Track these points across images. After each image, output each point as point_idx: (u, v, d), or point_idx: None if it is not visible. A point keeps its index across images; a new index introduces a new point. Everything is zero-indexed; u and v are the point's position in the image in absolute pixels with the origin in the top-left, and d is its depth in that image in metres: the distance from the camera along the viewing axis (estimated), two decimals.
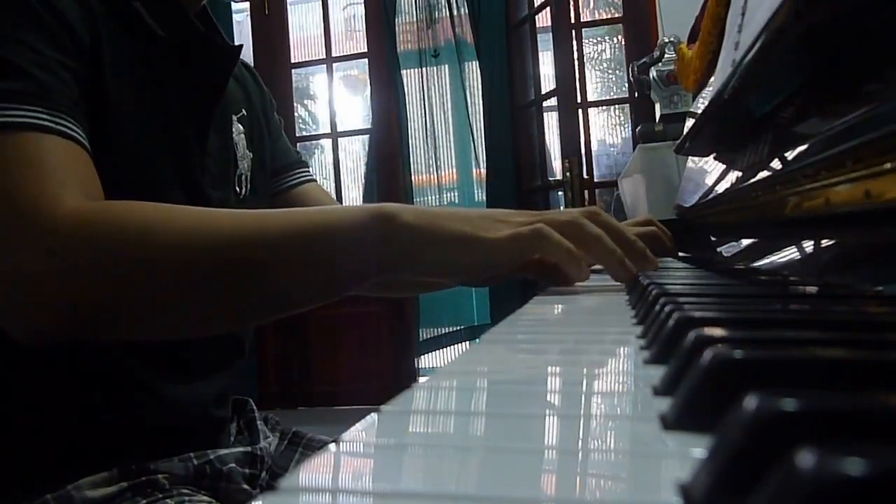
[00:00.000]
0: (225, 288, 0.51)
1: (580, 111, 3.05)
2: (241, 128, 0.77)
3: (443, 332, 3.44)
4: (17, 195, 0.48)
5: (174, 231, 0.50)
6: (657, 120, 2.33)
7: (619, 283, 0.57)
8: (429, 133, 3.48)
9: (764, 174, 0.58)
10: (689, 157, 1.25)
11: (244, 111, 0.78)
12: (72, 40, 0.56)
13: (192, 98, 0.67)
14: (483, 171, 3.26)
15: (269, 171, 0.82)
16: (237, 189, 0.75)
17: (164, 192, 0.62)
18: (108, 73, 0.59)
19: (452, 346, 3.39)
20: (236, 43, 0.73)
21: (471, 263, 0.52)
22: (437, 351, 3.41)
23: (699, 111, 1.00)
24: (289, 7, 3.70)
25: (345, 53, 3.93)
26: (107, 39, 0.59)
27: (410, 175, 3.43)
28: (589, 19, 4.19)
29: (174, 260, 0.49)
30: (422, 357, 3.39)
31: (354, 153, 4.66)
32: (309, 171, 0.88)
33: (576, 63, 2.97)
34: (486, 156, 3.24)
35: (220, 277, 0.50)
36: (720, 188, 0.82)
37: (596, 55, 5.26)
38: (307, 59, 4.03)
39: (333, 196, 1.30)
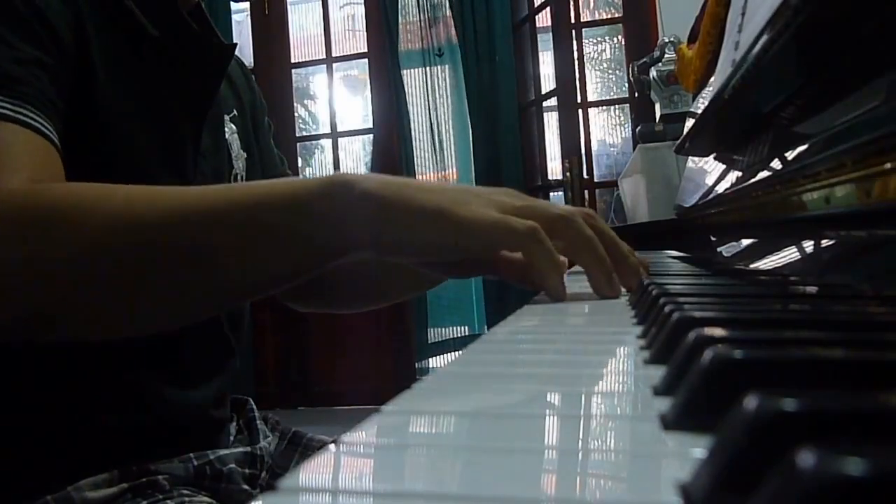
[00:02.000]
0: (166, 274, 0.45)
1: (580, 111, 3.05)
2: (234, 127, 0.77)
3: (451, 336, 3.44)
4: None
5: (107, 212, 0.45)
6: (657, 120, 2.33)
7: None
8: (430, 133, 3.49)
9: (764, 174, 0.58)
10: (689, 157, 1.25)
11: (235, 111, 0.78)
12: (52, 39, 0.55)
13: (185, 97, 0.67)
14: (484, 170, 3.26)
15: (258, 176, 0.81)
16: None
17: None
18: (98, 71, 0.58)
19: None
20: (236, 43, 0.73)
21: (442, 241, 0.45)
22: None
23: (699, 111, 1.00)
24: (289, 7, 3.70)
25: (345, 53, 3.93)
26: (96, 39, 0.59)
27: (414, 175, 3.42)
28: (589, 19, 4.19)
29: (106, 244, 0.44)
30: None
31: (354, 153, 4.66)
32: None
33: (576, 63, 2.98)
34: (487, 155, 3.24)
35: (159, 262, 0.45)
36: (720, 188, 0.82)
37: (596, 55, 5.26)
38: (307, 59, 4.03)
39: None
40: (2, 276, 0.43)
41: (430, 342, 3.39)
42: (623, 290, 0.51)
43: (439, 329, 3.45)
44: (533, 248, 0.45)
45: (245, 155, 0.78)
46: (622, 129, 4.49)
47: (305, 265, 0.48)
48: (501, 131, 3.21)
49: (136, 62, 0.63)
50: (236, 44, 0.72)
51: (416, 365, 3.36)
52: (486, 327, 3.25)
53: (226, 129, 0.75)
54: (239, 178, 0.76)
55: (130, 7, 0.62)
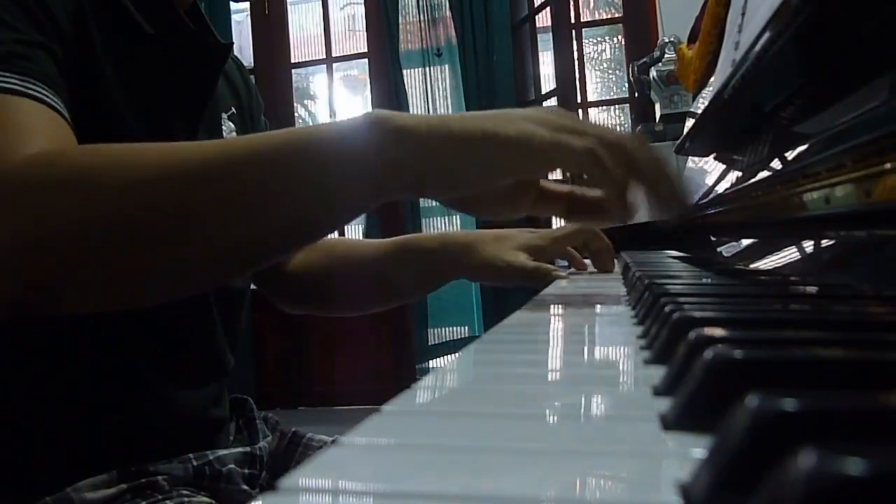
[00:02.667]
0: (186, 230, 0.43)
1: (580, 111, 3.05)
2: (232, 126, 0.76)
3: (451, 337, 3.44)
4: None
5: (127, 170, 0.43)
6: (657, 120, 2.33)
7: (618, 287, 0.56)
8: None
9: (764, 174, 0.58)
10: (689, 157, 1.25)
11: (234, 109, 0.77)
12: (53, 26, 0.54)
13: (180, 96, 0.66)
14: None
15: None
16: None
17: None
18: (97, 65, 0.58)
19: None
20: (237, 43, 0.72)
21: (492, 167, 0.42)
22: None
23: (699, 111, 1.00)
24: (289, 7, 3.70)
25: (345, 53, 3.93)
26: (95, 30, 0.58)
27: None
28: (589, 19, 4.18)
29: (125, 202, 0.43)
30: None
31: None
32: None
33: (576, 63, 2.98)
34: None
35: (178, 219, 0.43)
36: (720, 188, 0.82)
37: (596, 55, 5.26)
38: (307, 59, 4.03)
39: None
40: (18, 242, 0.42)
41: (430, 344, 3.38)
42: (624, 291, 0.51)
43: (439, 330, 3.45)
44: (593, 170, 0.43)
45: None
46: (622, 129, 4.49)
47: (343, 212, 0.45)
48: None
49: (131, 60, 0.62)
50: (232, 43, 0.72)
51: (417, 365, 3.36)
52: (482, 329, 3.25)
53: (223, 128, 0.74)
54: None
55: (126, 4, 0.62)
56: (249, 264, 0.50)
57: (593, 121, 3.47)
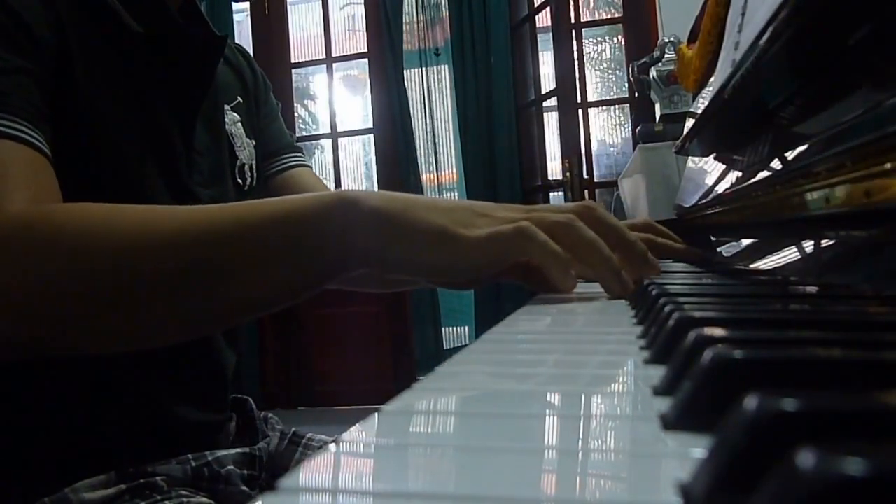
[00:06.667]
0: (173, 294, 0.45)
1: (580, 111, 3.05)
2: (238, 116, 0.75)
3: (451, 338, 3.45)
4: None
5: (114, 235, 0.45)
6: (657, 120, 2.33)
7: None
8: (431, 133, 3.49)
9: (764, 174, 0.58)
10: (689, 157, 1.25)
11: (240, 98, 0.77)
12: (30, 41, 0.54)
13: (174, 94, 0.65)
14: (477, 171, 3.26)
15: (261, 154, 0.79)
16: (240, 181, 0.73)
17: (147, 194, 0.61)
18: (79, 71, 0.57)
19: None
20: (227, 35, 0.71)
21: (445, 264, 0.45)
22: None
23: (699, 111, 1.00)
24: (289, 7, 3.70)
25: (345, 53, 3.93)
26: (74, 35, 0.57)
27: (418, 175, 3.42)
28: (589, 19, 4.19)
29: (113, 268, 0.44)
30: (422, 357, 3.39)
31: (354, 153, 4.66)
32: (302, 156, 0.84)
33: (576, 63, 2.98)
34: (481, 156, 3.24)
35: (167, 283, 0.45)
36: (720, 188, 0.82)
37: (596, 55, 5.26)
38: (307, 59, 4.04)
39: (332, 186, 1.25)
40: (8, 297, 0.43)
41: (451, 347, 3.39)
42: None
43: (459, 326, 3.46)
44: (525, 245, 0.45)
45: (253, 142, 0.77)
46: (622, 129, 4.49)
47: (312, 281, 0.47)
48: (497, 132, 3.22)
49: (120, 61, 0.61)
50: (227, 35, 0.71)
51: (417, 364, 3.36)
52: (475, 330, 3.26)
53: (227, 119, 0.74)
54: (247, 168, 0.75)
55: (114, 6, 0.61)
56: (224, 323, 0.52)
57: (593, 122, 3.47)
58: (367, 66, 3.60)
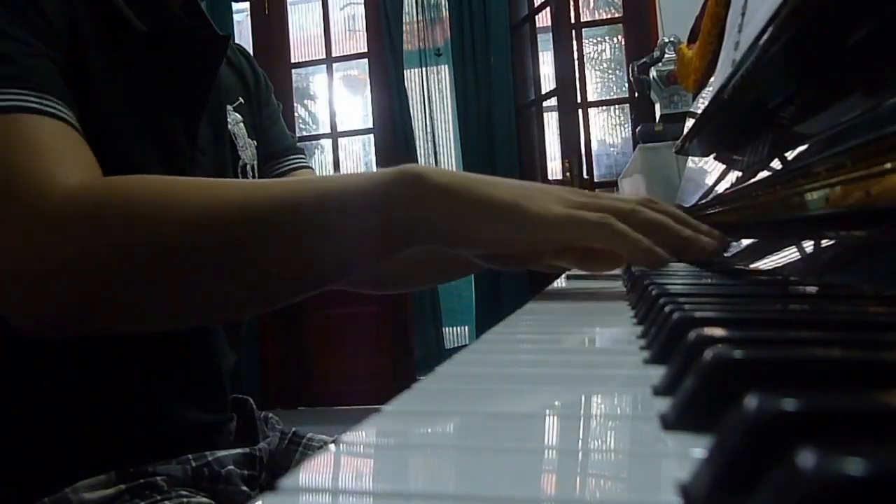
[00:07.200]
0: (240, 265, 0.46)
1: (580, 111, 3.05)
2: (240, 116, 0.75)
3: (451, 338, 3.44)
4: (11, 176, 0.47)
5: (189, 206, 0.46)
6: (657, 120, 2.33)
7: (618, 286, 0.56)
8: (431, 133, 3.49)
9: (764, 174, 0.58)
10: (689, 157, 1.25)
11: (241, 99, 0.77)
12: (49, 29, 0.55)
13: (177, 93, 0.65)
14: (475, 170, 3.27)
15: (263, 156, 0.79)
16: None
17: None
18: (90, 66, 0.58)
19: None
20: (229, 34, 0.71)
21: (520, 238, 0.46)
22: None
23: (699, 111, 1.00)
24: (289, 7, 3.71)
25: (345, 53, 3.93)
26: (86, 31, 0.58)
27: None
28: (589, 19, 4.19)
29: (190, 241, 0.46)
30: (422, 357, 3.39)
31: (354, 153, 4.66)
32: (304, 158, 0.84)
33: (576, 63, 2.98)
34: (487, 155, 3.25)
35: (229, 257, 0.46)
36: (720, 188, 0.82)
37: (596, 55, 5.26)
38: (307, 59, 4.04)
39: None
40: (72, 267, 0.45)
41: (453, 346, 3.39)
42: (624, 291, 0.51)
43: (459, 326, 3.46)
44: (612, 238, 0.47)
45: (255, 143, 0.77)
46: (622, 129, 4.49)
47: (378, 255, 0.48)
48: (497, 132, 3.22)
49: (124, 59, 0.62)
50: (229, 35, 0.71)
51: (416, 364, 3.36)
52: (475, 330, 3.26)
53: (229, 119, 0.74)
54: (248, 168, 0.75)
55: (117, 4, 0.61)
56: (281, 299, 0.53)
57: (593, 122, 3.47)
58: (367, 67, 3.60)
